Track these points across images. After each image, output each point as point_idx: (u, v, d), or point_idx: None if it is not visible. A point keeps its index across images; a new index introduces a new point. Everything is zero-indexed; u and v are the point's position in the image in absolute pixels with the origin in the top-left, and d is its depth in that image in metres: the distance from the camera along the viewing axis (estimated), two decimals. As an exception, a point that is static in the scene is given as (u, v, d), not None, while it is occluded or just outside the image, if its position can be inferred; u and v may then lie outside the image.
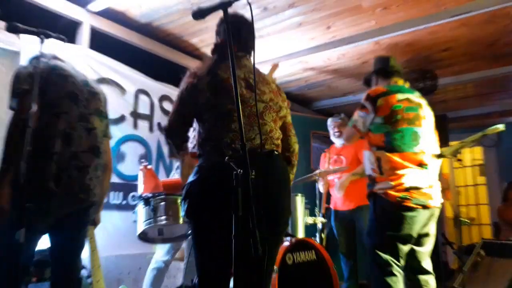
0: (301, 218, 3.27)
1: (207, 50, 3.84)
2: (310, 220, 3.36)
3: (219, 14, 1.37)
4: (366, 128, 2.31)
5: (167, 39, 3.66)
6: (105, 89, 3.07)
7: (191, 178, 1.61)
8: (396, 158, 2.19)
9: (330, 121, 3.81)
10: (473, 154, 6.76)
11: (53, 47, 1.86)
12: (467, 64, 4.09)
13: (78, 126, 1.83)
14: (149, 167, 2.82)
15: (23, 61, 2.54)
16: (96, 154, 1.88)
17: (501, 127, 2.23)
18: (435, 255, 2.35)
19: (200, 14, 1.40)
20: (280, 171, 1.65)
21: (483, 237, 4.82)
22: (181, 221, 2.45)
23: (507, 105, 5.34)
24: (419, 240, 2.23)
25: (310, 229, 3.53)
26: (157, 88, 3.65)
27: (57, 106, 1.79)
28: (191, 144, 1.77)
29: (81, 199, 1.79)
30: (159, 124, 3.60)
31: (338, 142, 3.76)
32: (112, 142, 2.28)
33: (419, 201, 2.13)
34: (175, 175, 3.14)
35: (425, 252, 2.26)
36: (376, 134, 2.28)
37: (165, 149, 3.52)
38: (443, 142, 2.67)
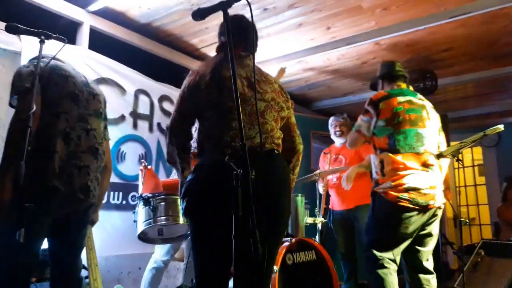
0: (301, 218, 3.27)
1: (207, 51, 3.87)
2: (310, 220, 3.36)
3: (220, 15, 1.37)
4: (371, 132, 2.36)
5: (167, 39, 3.67)
6: (105, 89, 3.10)
7: (190, 176, 1.61)
8: (398, 158, 2.23)
9: (332, 120, 3.81)
10: (473, 155, 6.77)
11: (53, 47, 1.86)
12: (467, 64, 4.09)
13: (77, 126, 1.83)
14: (149, 167, 2.82)
15: (24, 61, 2.54)
16: (94, 156, 1.88)
17: (501, 127, 2.24)
18: (435, 255, 2.38)
19: (200, 14, 1.40)
20: (280, 171, 1.64)
21: (483, 237, 4.82)
22: (181, 221, 2.46)
23: (507, 105, 5.35)
24: (421, 239, 2.27)
25: (310, 229, 3.53)
26: (157, 88, 3.66)
27: (58, 106, 1.79)
28: (194, 143, 1.76)
29: (81, 200, 1.79)
30: (159, 124, 3.61)
31: (338, 141, 3.77)
32: (112, 142, 2.29)
33: (417, 202, 2.16)
34: (175, 175, 3.14)
35: (427, 252, 2.28)
36: (380, 137, 2.32)
37: (165, 150, 3.52)
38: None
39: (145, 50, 3.59)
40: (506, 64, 4.06)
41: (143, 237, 2.54)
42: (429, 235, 2.27)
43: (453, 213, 2.80)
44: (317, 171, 3.56)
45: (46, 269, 2.24)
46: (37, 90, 1.64)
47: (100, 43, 3.23)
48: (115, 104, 3.21)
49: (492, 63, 4.06)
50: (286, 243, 2.72)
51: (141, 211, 2.47)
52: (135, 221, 2.52)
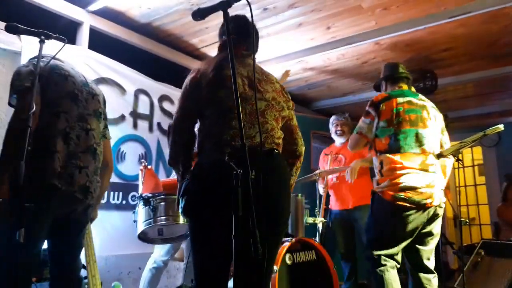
0: (301, 218, 3.27)
1: (207, 50, 3.87)
2: (310, 220, 3.36)
3: (220, 14, 1.37)
4: (373, 133, 2.40)
5: (167, 39, 3.66)
6: (105, 89, 3.10)
7: (188, 175, 1.60)
8: (397, 158, 2.26)
9: (333, 119, 3.81)
10: (473, 154, 6.77)
11: (53, 47, 1.86)
12: (467, 64, 4.09)
13: (77, 126, 1.83)
14: (149, 167, 2.83)
15: (24, 61, 2.54)
16: (93, 156, 1.88)
17: (501, 127, 2.24)
18: (436, 255, 2.40)
19: (200, 14, 1.40)
20: (280, 171, 1.64)
21: (483, 237, 4.82)
22: (181, 221, 2.46)
23: (507, 105, 5.35)
24: (422, 238, 2.29)
25: (310, 229, 3.53)
26: (157, 88, 3.66)
27: (57, 105, 1.79)
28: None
29: (80, 200, 1.78)
30: (159, 124, 3.61)
31: (338, 140, 3.77)
32: (112, 142, 2.29)
33: (413, 201, 2.19)
34: (176, 175, 3.14)
35: (427, 251, 2.31)
36: (382, 138, 2.35)
37: (165, 149, 3.52)
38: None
39: (145, 50, 3.59)
40: (506, 64, 4.06)
41: (143, 237, 2.55)
42: (430, 234, 2.29)
43: (453, 213, 2.80)
44: (317, 171, 3.56)
45: (46, 269, 2.24)
46: (37, 89, 1.64)
47: (100, 43, 3.23)
48: (115, 104, 3.21)
49: (492, 63, 4.06)
50: (286, 243, 2.72)
51: (141, 211, 2.47)
52: (135, 221, 2.52)
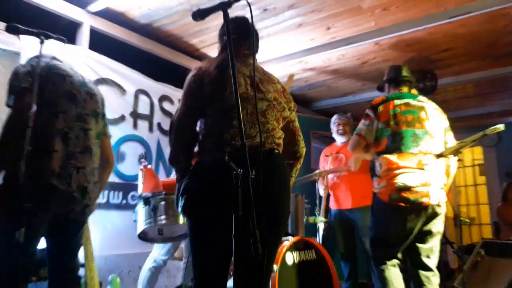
0: (301, 218, 3.27)
1: (207, 51, 3.87)
2: (310, 220, 3.36)
3: (220, 15, 1.37)
4: (374, 136, 2.46)
5: (167, 40, 3.67)
6: (105, 89, 3.10)
7: (188, 174, 1.60)
8: (393, 159, 2.32)
9: (335, 118, 3.80)
10: (473, 154, 6.77)
11: (53, 47, 1.86)
12: (467, 64, 4.10)
13: (75, 126, 1.83)
14: (149, 166, 2.83)
15: (23, 62, 2.54)
16: (90, 156, 1.87)
17: (501, 127, 2.25)
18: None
19: (199, 15, 1.40)
20: (280, 171, 1.64)
21: (483, 237, 4.81)
22: (181, 220, 2.46)
23: (507, 105, 5.35)
24: (421, 236, 2.34)
25: (310, 229, 3.53)
26: (157, 88, 3.66)
27: (55, 105, 1.78)
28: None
29: (77, 200, 1.78)
30: (159, 124, 3.61)
31: (340, 140, 3.77)
32: (112, 142, 2.29)
33: (408, 200, 2.24)
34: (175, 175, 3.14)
35: (426, 249, 2.34)
36: (381, 140, 2.42)
37: (165, 149, 3.52)
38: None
39: (145, 51, 3.60)
40: (506, 64, 4.06)
41: (143, 236, 2.55)
42: (429, 232, 2.33)
43: (453, 212, 2.80)
44: (317, 171, 3.56)
45: (45, 269, 2.24)
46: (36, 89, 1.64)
47: (100, 43, 3.23)
48: (115, 104, 3.21)
49: (492, 63, 4.06)
50: (286, 243, 2.72)
51: (141, 210, 2.48)
52: (135, 221, 2.52)
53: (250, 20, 1.74)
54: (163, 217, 2.42)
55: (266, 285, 1.61)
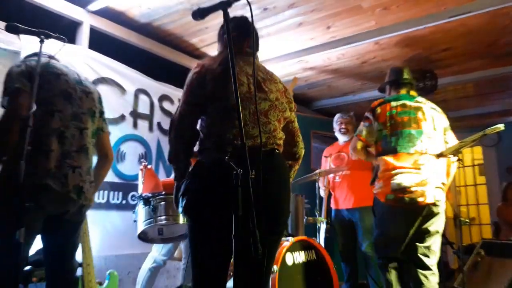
0: (301, 218, 3.27)
1: (207, 50, 3.87)
2: (310, 220, 3.35)
3: (220, 14, 1.37)
4: (374, 137, 2.50)
5: (167, 39, 3.66)
6: (104, 89, 3.10)
7: (188, 174, 1.60)
8: (390, 159, 2.36)
9: (337, 117, 3.80)
10: (473, 154, 6.76)
11: (53, 47, 1.86)
12: (467, 63, 4.09)
13: (71, 125, 1.81)
14: (149, 166, 2.82)
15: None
16: (86, 155, 1.86)
17: (501, 126, 2.25)
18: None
19: (199, 14, 1.40)
20: (280, 171, 1.64)
21: (483, 237, 4.82)
22: (181, 221, 2.46)
23: (507, 104, 5.34)
24: (419, 236, 2.36)
25: (310, 229, 3.53)
26: (157, 87, 3.66)
27: (51, 104, 1.77)
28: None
29: (74, 200, 1.77)
30: (159, 124, 3.60)
31: (342, 139, 3.77)
32: (112, 142, 2.28)
33: (403, 200, 2.27)
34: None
35: (424, 248, 2.36)
36: (380, 141, 2.47)
37: (165, 149, 3.52)
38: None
39: (145, 50, 3.59)
40: (506, 64, 4.06)
41: (143, 236, 2.54)
42: (426, 231, 2.35)
43: (453, 213, 2.80)
44: (317, 171, 3.56)
45: (42, 269, 2.23)
46: (29, 88, 1.63)
47: (100, 43, 3.23)
48: (115, 104, 3.21)
49: (492, 62, 4.06)
50: (286, 243, 2.72)
51: (141, 210, 2.47)
52: (135, 221, 2.52)
53: (250, 19, 1.74)
54: (163, 217, 2.42)
55: (266, 285, 1.60)
